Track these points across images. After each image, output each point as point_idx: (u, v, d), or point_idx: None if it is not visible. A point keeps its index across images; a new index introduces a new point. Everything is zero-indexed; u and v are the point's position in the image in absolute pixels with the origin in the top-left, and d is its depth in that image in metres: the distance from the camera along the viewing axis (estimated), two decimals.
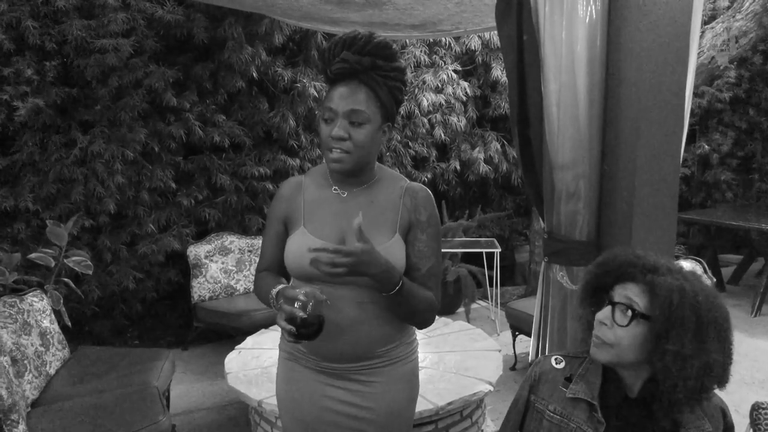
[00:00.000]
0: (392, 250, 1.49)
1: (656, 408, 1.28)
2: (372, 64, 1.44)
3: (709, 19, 5.16)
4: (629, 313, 1.24)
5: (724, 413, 1.35)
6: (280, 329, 1.66)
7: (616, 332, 1.25)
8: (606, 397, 1.34)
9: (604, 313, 1.27)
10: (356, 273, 1.35)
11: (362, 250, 1.34)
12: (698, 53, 2.65)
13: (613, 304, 1.27)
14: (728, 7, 5.34)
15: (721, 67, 4.36)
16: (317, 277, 1.46)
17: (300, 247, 1.51)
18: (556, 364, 1.42)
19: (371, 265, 1.36)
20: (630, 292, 1.25)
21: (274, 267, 1.63)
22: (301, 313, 1.32)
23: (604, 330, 1.27)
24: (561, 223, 2.10)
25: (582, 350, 1.42)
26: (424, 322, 1.57)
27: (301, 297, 1.33)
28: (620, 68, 1.94)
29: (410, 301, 1.47)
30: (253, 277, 2.01)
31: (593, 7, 1.91)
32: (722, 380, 1.24)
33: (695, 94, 6.08)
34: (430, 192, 1.62)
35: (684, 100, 2.00)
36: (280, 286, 1.47)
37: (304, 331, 1.33)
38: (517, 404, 1.46)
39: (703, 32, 4.20)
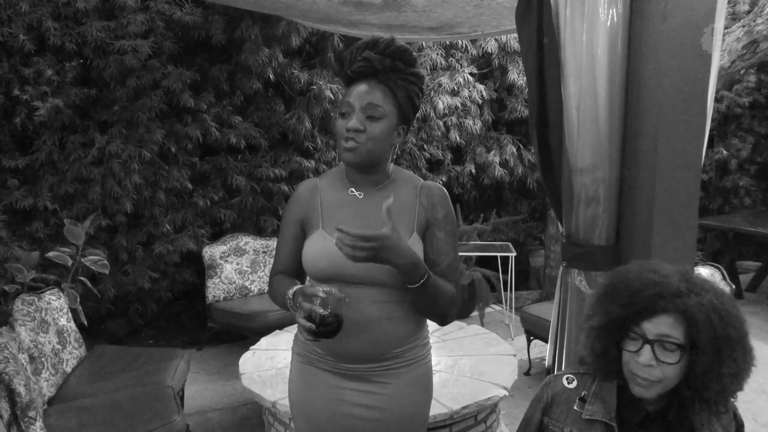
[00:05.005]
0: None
1: (672, 418, 1.27)
2: (392, 66, 1.47)
3: (729, 22, 5.10)
4: (674, 348, 1.18)
5: (735, 413, 1.34)
6: (294, 331, 1.66)
7: (664, 369, 1.19)
8: (622, 415, 1.31)
9: (646, 356, 1.19)
10: (380, 260, 1.34)
11: (385, 236, 1.32)
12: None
13: (651, 342, 1.19)
14: (748, 11, 5.27)
15: (742, 72, 4.30)
16: (336, 279, 1.47)
17: (319, 249, 1.52)
18: (568, 383, 1.39)
19: (396, 253, 1.35)
20: (664, 327, 1.18)
21: (289, 270, 1.63)
22: (321, 310, 1.32)
23: (650, 370, 1.19)
24: (580, 227, 2.08)
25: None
26: (447, 317, 1.55)
27: (321, 294, 1.33)
28: (641, 72, 1.92)
29: (436, 294, 1.46)
30: (268, 279, 1.99)
31: (614, 10, 1.90)
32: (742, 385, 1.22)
33: (714, 99, 6.00)
34: (445, 190, 1.64)
35: (706, 104, 1.97)
36: (297, 286, 1.48)
37: (323, 329, 1.33)
38: (529, 425, 1.42)
39: (723, 36, 4.16)
